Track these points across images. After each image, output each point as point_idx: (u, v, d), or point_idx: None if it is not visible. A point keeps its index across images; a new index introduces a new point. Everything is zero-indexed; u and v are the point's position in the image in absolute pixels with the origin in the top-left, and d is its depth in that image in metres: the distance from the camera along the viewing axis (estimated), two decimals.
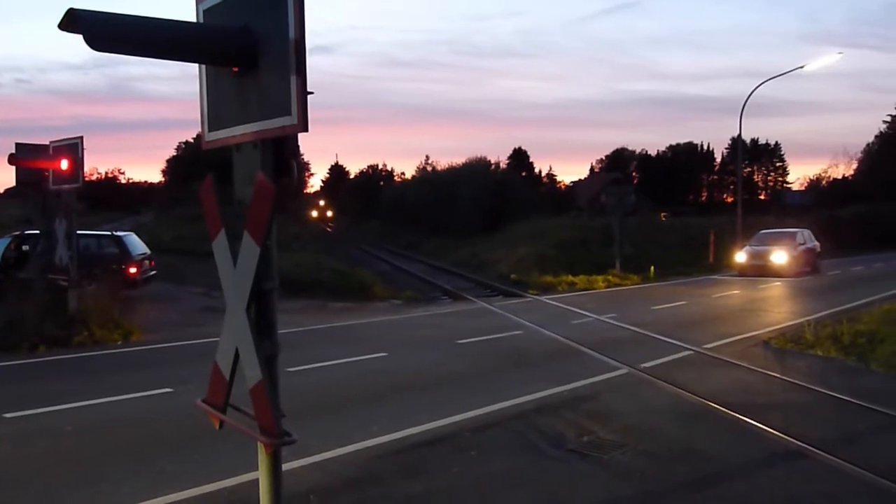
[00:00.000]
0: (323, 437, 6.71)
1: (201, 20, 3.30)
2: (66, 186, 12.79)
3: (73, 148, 12.46)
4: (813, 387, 9.05)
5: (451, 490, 5.69)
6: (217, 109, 3.30)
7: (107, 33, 2.73)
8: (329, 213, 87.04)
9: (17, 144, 13.13)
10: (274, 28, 2.85)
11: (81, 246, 14.48)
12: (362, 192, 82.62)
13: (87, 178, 13.78)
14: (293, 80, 2.79)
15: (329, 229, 73.10)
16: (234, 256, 3.10)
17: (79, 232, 13.88)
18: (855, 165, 67.95)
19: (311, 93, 2.83)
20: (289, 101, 2.81)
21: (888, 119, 64.74)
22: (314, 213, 79.93)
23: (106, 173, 77.26)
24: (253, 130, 3.02)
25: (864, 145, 71.16)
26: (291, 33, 2.78)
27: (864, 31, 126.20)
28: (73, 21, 2.61)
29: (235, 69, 3.04)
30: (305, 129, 2.82)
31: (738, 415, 7.66)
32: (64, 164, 12.41)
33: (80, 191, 13.15)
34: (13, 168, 13.15)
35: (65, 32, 2.70)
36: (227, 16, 3.12)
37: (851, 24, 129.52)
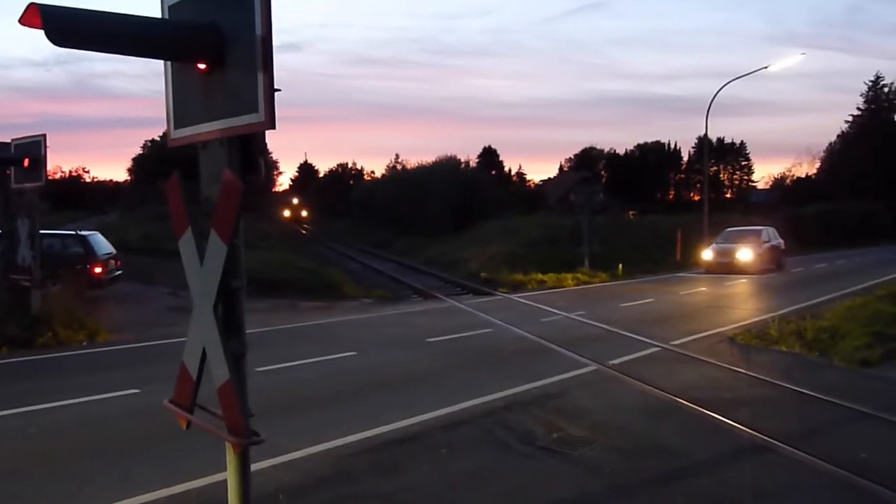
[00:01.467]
0: (293, 437, 6.68)
1: (167, 16, 3.26)
2: (28, 185, 12.57)
3: (36, 146, 12.25)
4: (777, 382, 9.21)
5: (422, 487, 5.69)
6: (183, 107, 3.27)
7: (69, 29, 2.68)
8: (304, 213, 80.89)
9: None
10: (241, 25, 2.83)
11: (45, 245, 14.25)
12: (332, 190, 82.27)
13: (50, 177, 13.55)
14: (260, 77, 2.77)
15: (304, 231, 67.29)
16: (200, 255, 3.07)
17: (42, 231, 13.66)
18: (818, 165, 69.13)
19: (279, 90, 2.82)
20: (256, 99, 2.79)
21: (850, 119, 65.94)
22: (287, 213, 75.18)
23: (70, 172, 76.16)
24: (219, 128, 3.00)
25: (826, 145, 72.41)
26: (258, 30, 2.76)
27: (827, 33, 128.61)
28: (34, 16, 2.57)
29: (202, 66, 3.01)
30: (273, 127, 2.80)
31: (704, 410, 7.76)
32: (26, 163, 12.19)
33: (42, 189, 12.94)
34: None
35: (26, 28, 2.66)
36: (194, 12, 3.10)
37: (815, 26, 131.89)
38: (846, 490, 5.66)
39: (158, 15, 3.26)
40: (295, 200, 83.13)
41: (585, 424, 7.35)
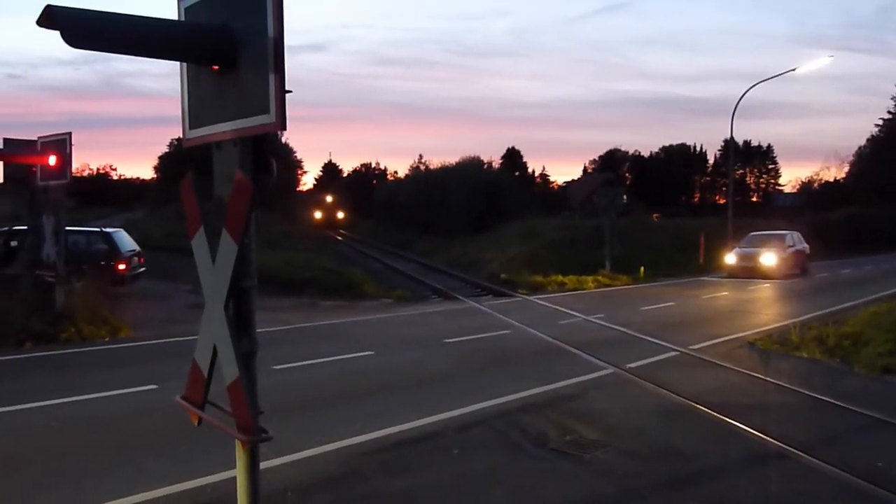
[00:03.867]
0: (305, 435, 6.73)
1: (182, 18, 3.32)
2: (53, 182, 12.75)
3: (62, 144, 12.43)
4: (796, 388, 9.12)
5: (433, 488, 5.72)
6: (197, 107, 3.32)
7: (85, 30, 2.73)
8: (339, 214, 67.82)
9: (5, 140, 13.10)
10: (253, 27, 2.87)
11: (70, 242, 14.45)
12: (355, 190, 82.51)
13: (78, 175, 13.82)
14: (271, 78, 2.80)
15: (339, 238, 55.78)
16: (212, 254, 3.12)
17: (67, 228, 13.85)
18: (846, 168, 68.15)
19: (290, 91, 2.85)
20: (267, 100, 2.82)
21: (880, 123, 64.96)
22: (317, 214, 64.17)
23: (97, 169, 77.09)
24: (232, 128, 3.04)
25: (855, 148, 71.28)
26: (270, 32, 2.79)
27: (855, 35, 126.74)
28: (50, 18, 2.62)
29: (215, 67, 3.06)
30: (284, 128, 2.84)
31: (720, 415, 7.71)
32: (52, 160, 12.38)
33: (68, 187, 13.12)
34: (0, 164, 13.13)
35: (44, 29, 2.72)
36: (208, 14, 3.14)
37: (843, 28, 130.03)
38: (860, 499, 5.60)
39: (175, 17, 3.32)
40: (328, 198, 70.70)
41: (599, 427, 7.33)
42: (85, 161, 75.49)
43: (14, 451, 6.54)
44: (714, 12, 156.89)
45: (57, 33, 2.63)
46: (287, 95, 2.87)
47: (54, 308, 12.84)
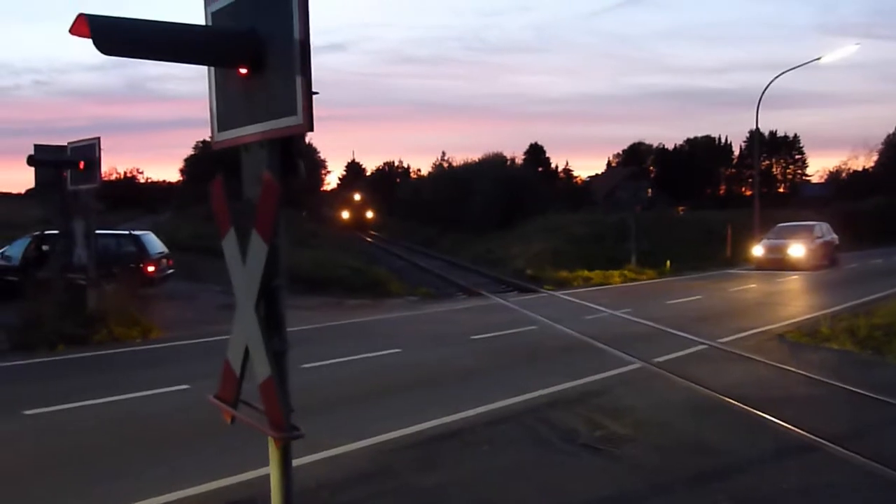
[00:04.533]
0: (336, 432, 6.79)
1: (209, 22, 3.37)
2: (83, 187, 12.96)
3: (91, 149, 12.63)
4: (827, 380, 9.02)
5: (464, 483, 5.74)
6: (226, 110, 3.38)
7: (117, 38, 2.80)
8: (369, 214, 64.93)
9: (36, 146, 13.35)
10: (280, 30, 2.91)
11: (100, 245, 14.66)
12: (379, 188, 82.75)
13: (106, 178, 13.98)
14: (298, 80, 2.85)
15: (370, 239, 52.62)
16: (243, 254, 3.17)
17: (97, 231, 14.07)
18: (875, 157, 67.13)
19: (317, 93, 2.89)
20: (294, 102, 2.87)
21: None
22: (345, 214, 61.33)
23: (125, 173, 77.99)
24: (260, 131, 3.09)
25: (884, 137, 70.10)
26: (296, 35, 2.84)
27: (881, 22, 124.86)
28: (83, 26, 2.68)
29: (243, 71, 3.11)
30: (311, 129, 2.88)
31: (750, 408, 7.65)
32: (81, 165, 12.58)
33: (97, 191, 13.33)
34: (32, 169, 13.37)
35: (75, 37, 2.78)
36: (235, 18, 3.19)
37: (868, 15, 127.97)
38: (893, 490, 5.53)
39: (202, 22, 3.37)
40: (357, 196, 67.20)
41: (628, 422, 7.31)
42: (112, 165, 76.41)
43: (52, 450, 6.67)
44: (737, 2, 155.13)
45: (87, 40, 2.69)
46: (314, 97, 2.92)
47: (86, 310, 13.04)
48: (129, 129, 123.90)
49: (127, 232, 19.16)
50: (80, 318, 12.79)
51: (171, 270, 18.77)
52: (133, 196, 64.88)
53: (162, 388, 8.96)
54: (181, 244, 25.78)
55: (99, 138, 12.62)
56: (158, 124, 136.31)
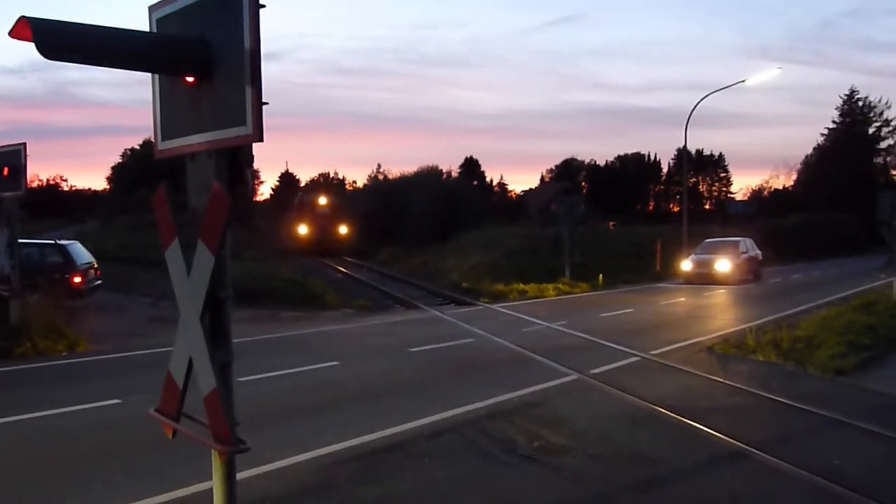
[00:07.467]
0: (276, 446, 6.68)
1: (154, 29, 3.31)
2: (7, 194, 12.45)
3: (15, 155, 12.15)
4: (754, 390, 9.35)
5: (405, 496, 5.73)
6: (171, 118, 3.31)
7: (60, 42, 2.73)
8: (342, 230, 47.05)
9: None
10: (229, 39, 2.88)
11: (24, 255, 14.11)
12: None
13: (28, 186, 13.42)
14: (248, 90, 2.82)
15: (342, 269, 35.18)
16: (187, 266, 3.11)
17: (21, 241, 13.54)
18: (794, 176, 70.07)
19: (266, 103, 2.87)
20: (244, 112, 2.84)
21: (825, 132, 66.97)
22: (302, 230, 45.16)
23: (48, 180, 75.21)
24: (208, 140, 3.04)
25: (803, 157, 73.40)
26: (247, 44, 2.81)
27: (799, 47, 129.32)
28: (24, 29, 2.61)
29: (190, 79, 3.06)
30: (260, 139, 2.86)
31: (683, 418, 7.87)
32: (5, 172, 12.10)
33: (22, 199, 12.83)
34: None
35: (13, 39, 2.70)
36: (182, 25, 3.14)
37: (788, 40, 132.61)
38: (820, 496, 5.77)
39: (146, 28, 3.31)
40: (321, 201, 48.51)
41: (566, 433, 7.43)
42: (35, 172, 73.52)
43: None
44: (666, 24, 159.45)
45: (2, 40, 2.62)
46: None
47: (9, 322, 12.52)
48: (52, 136, 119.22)
49: (52, 241, 18.48)
50: (3, 330, 12.28)
51: (98, 281, 18.16)
52: (57, 204, 62.60)
53: (92, 402, 8.65)
54: (109, 254, 24.95)
55: (24, 144, 12.17)
56: (83, 131, 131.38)
